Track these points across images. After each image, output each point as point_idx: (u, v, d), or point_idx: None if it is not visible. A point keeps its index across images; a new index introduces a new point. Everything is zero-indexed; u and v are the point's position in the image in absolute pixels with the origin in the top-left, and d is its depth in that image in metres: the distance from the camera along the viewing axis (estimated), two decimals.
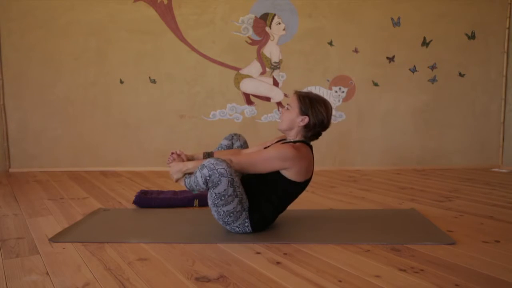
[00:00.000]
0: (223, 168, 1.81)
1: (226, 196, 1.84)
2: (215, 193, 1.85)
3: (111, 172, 3.99)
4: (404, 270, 1.52)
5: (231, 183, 1.83)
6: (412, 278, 1.45)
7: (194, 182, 1.88)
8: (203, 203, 2.57)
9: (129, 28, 4.03)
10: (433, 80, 4.09)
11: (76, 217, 2.31)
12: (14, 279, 1.47)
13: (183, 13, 4.03)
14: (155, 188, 3.10)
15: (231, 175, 1.82)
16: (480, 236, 1.92)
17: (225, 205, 1.87)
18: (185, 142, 4.12)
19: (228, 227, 1.96)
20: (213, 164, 1.81)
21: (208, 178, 1.82)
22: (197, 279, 1.46)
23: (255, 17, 4.04)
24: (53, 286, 1.41)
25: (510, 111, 4.08)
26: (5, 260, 1.66)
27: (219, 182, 1.81)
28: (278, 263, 1.61)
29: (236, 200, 1.87)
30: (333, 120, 4.09)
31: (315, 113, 1.98)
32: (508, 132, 4.09)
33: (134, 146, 4.13)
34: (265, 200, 1.96)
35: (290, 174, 1.93)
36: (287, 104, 2.06)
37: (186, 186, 1.96)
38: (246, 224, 1.94)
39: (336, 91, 4.09)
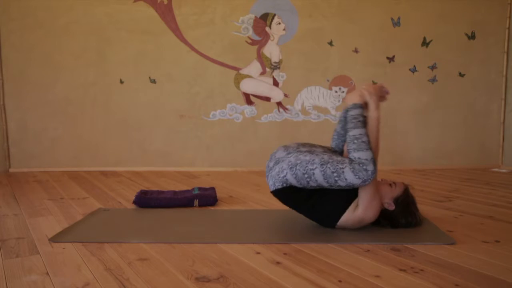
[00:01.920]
0: (368, 183, 1.85)
1: (333, 178, 1.84)
2: (338, 170, 1.83)
3: (111, 172, 3.99)
4: (404, 270, 1.52)
5: (351, 185, 1.84)
6: (412, 278, 1.45)
7: (361, 136, 1.85)
8: (203, 203, 2.57)
9: (129, 28, 4.03)
10: (433, 80, 4.09)
11: (76, 217, 2.31)
12: (14, 279, 1.47)
13: (183, 13, 4.03)
14: (155, 188, 3.10)
15: (360, 185, 1.85)
16: (480, 236, 1.92)
17: (322, 182, 1.86)
18: (185, 142, 4.12)
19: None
20: (373, 175, 1.83)
21: (363, 164, 1.81)
22: (197, 279, 1.46)
23: (255, 17, 4.04)
24: (53, 286, 1.41)
25: (510, 111, 4.08)
26: (5, 260, 1.66)
27: (356, 178, 1.81)
28: (278, 263, 1.61)
29: (325, 186, 1.88)
30: (333, 120, 4.13)
31: (403, 213, 1.95)
32: (508, 132, 4.09)
33: (134, 146, 4.13)
34: (308, 193, 1.93)
35: (349, 214, 1.91)
36: (393, 182, 2.01)
37: (350, 109, 1.93)
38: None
39: (336, 91, 4.10)
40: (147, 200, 2.55)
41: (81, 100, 4.09)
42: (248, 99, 4.12)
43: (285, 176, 1.91)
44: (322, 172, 1.84)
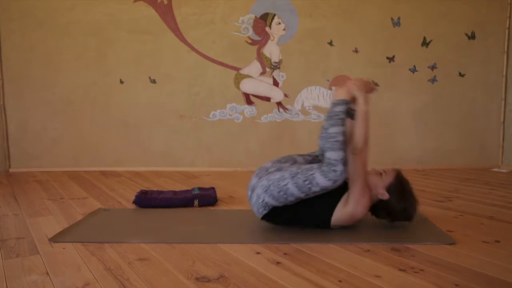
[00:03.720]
0: (339, 184, 1.84)
1: (306, 187, 1.84)
2: (308, 177, 1.82)
3: (111, 172, 3.99)
4: (404, 270, 1.52)
5: (324, 188, 1.84)
6: (412, 278, 1.45)
7: (336, 135, 1.85)
8: (203, 203, 2.57)
9: (129, 28, 4.03)
10: (433, 80, 4.09)
11: (76, 217, 2.31)
12: (14, 279, 1.47)
13: (183, 13, 4.03)
14: (155, 188, 3.10)
15: (331, 187, 1.85)
16: (480, 236, 1.92)
17: (298, 193, 1.86)
18: (185, 142, 4.12)
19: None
20: (343, 175, 1.83)
21: (331, 165, 1.80)
22: (197, 279, 1.46)
23: (255, 17, 4.04)
24: (53, 286, 1.41)
25: (510, 111, 4.08)
26: (5, 260, 1.66)
27: (327, 180, 1.81)
28: (278, 263, 1.61)
29: (302, 197, 1.88)
30: None
31: (399, 200, 1.93)
32: (508, 132, 4.09)
33: (134, 146, 4.13)
34: (293, 208, 1.93)
35: (340, 211, 1.90)
36: (383, 171, 1.99)
37: (334, 104, 1.92)
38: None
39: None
40: (147, 200, 2.55)
41: (81, 100, 4.09)
42: (248, 99, 4.12)
43: (263, 200, 1.91)
44: (295, 184, 1.85)
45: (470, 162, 4.13)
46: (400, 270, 1.52)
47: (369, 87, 2.00)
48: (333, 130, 1.88)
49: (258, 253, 1.72)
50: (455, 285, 1.39)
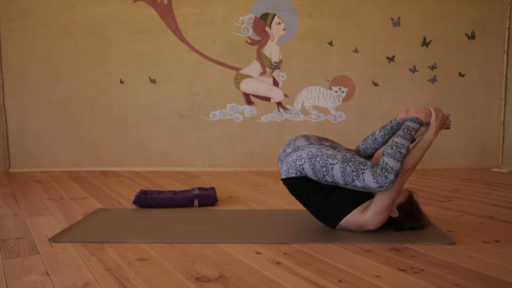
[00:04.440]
0: (382, 191, 1.84)
1: (350, 177, 1.83)
2: (358, 171, 1.82)
3: (111, 172, 3.99)
4: (404, 270, 1.52)
5: (366, 188, 1.83)
6: (412, 278, 1.45)
7: (403, 148, 1.84)
8: (203, 203, 2.57)
9: (129, 28, 4.03)
10: (433, 80, 4.09)
11: (76, 217, 2.31)
12: (14, 279, 1.47)
13: (183, 13, 4.03)
14: (155, 188, 3.10)
15: (374, 190, 1.84)
16: (480, 236, 1.92)
17: (339, 179, 1.85)
18: (185, 142, 4.12)
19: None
20: (391, 185, 1.82)
21: (386, 171, 1.79)
22: (197, 279, 1.46)
23: (255, 17, 4.04)
24: (53, 286, 1.41)
25: (510, 111, 4.08)
26: (5, 260, 1.66)
27: (373, 182, 1.80)
28: (278, 263, 1.61)
29: (340, 183, 1.87)
30: (333, 120, 4.13)
31: (407, 220, 1.95)
32: (508, 132, 4.09)
33: (134, 146, 4.13)
34: (319, 187, 1.92)
35: (354, 215, 1.90)
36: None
37: (410, 120, 1.94)
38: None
39: (336, 91, 4.10)
40: (147, 200, 2.55)
41: (81, 100, 4.09)
42: (248, 99, 4.12)
43: (302, 165, 1.87)
44: (342, 169, 1.83)
45: (470, 162, 4.13)
46: (400, 270, 1.52)
47: (446, 123, 2.04)
48: (401, 141, 1.88)
49: (258, 253, 1.72)
50: (455, 285, 1.39)
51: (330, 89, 4.10)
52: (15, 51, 4.02)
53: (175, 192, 2.82)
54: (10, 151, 4.10)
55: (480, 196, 2.83)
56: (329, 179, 1.86)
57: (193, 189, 2.89)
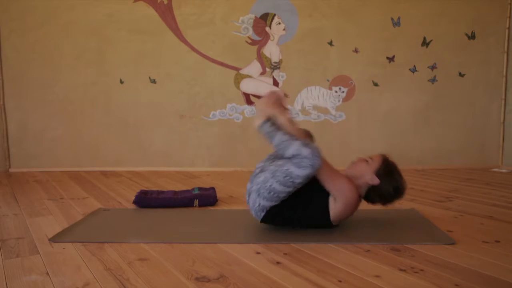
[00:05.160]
0: (319, 165, 1.79)
1: (289, 182, 1.82)
2: (286, 172, 1.82)
3: (111, 172, 3.99)
4: (404, 270, 1.52)
5: (306, 177, 1.81)
6: (412, 278, 1.45)
7: (281, 140, 1.85)
8: (203, 203, 2.57)
9: (129, 28, 4.02)
10: (433, 80, 4.09)
11: (76, 217, 2.31)
12: (14, 279, 1.47)
13: (183, 13, 4.03)
14: (155, 188, 3.10)
15: (307, 176, 1.81)
16: (480, 236, 1.92)
17: (285, 189, 1.85)
18: (185, 142, 4.12)
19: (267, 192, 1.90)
20: (316, 154, 1.79)
21: (298, 155, 1.79)
22: (197, 279, 1.46)
23: (255, 17, 4.04)
24: (53, 286, 1.41)
25: (510, 111, 4.08)
26: (5, 260, 1.66)
27: (303, 169, 1.78)
28: (278, 263, 1.61)
29: (291, 190, 1.86)
30: (333, 120, 4.13)
31: (389, 184, 1.95)
32: (508, 132, 4.09)
33: (134, 146, 4.13)
34: (290, 207, 1.93)
35: (334, 207, 1.90)
36: (369, 157, 2.02)
37: (260, 130, 1.94)
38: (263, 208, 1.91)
39: (336, 91, 4.10)
40: (147, 200, 2.55)
41: (81, 100, 4.09)
42: (248, 99, 4.11)
43: (259, 204, 1.92)
44: (278, 182, 1.85)
45: (470, 162, 4.13)
46: (400, 270, 1.52)
47: (276, 99, 2.01)
48: (275, 140, 1.88)
49: (258, 253, 1.72)
50: (455, 285, 1.39)
51: (330, 89, 4.10)
52: (15, 51, 4.02)
53: (175, 192, 2.82)
54: (10, 151, 4.10)
55: (480, 196, 2.83)
56: (282, 195, 1.88)
57: (193, 189, 2.89)
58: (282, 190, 1.86)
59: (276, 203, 1.91)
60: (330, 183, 1.89)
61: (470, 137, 4.13)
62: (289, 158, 1.84)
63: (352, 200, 1.90)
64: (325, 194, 1.92)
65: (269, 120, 1.95)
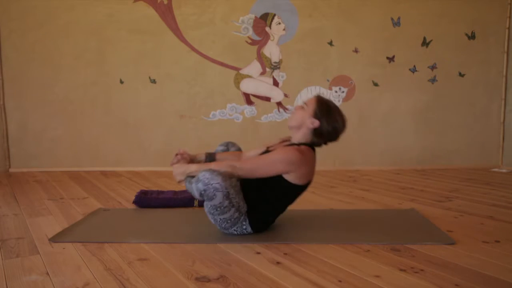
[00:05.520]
0: (218, 183, 1.78)
1: (222, 208, 1.83)
2: (211, 205, 1.84)
3: (111, 172, 3.99)
4: (404, 270, 1.52)
5: (227, 196, 1.80)
6: (412, 278, 1.45)
7: (191, 190, 1.88)
8: (203, 203, 2.57)
9: (129, 28, 4.02)
10: (433, 80, 4.09)
11: (76, 217, 2.31)
12: (14, 279, 1.47)
13: (183, 13, 4.03)
14: (155, 188, 3.10)
15: (226, 189, 1.79)
16: (480, 236, 1.92)
17: (221, 214, 1.86)
18: (185, 142, 4.12)
19: (226, 231, 1.95)
20: (207, 178, 1.78)
21: (203, 192, 1.80)
22: (197, 279, 1.46)
23: (255, 17, 4.04)
24: (53, 286, 1.41)
25: (510, 111, 4.08)
26: (5, 260, 1.66)
27: (214, 196, 1.79)
28: (278, 263, 1.61)
29: (233, 209, 1.85)
30: None
31: (329, 121, 1.94)
32: (508, 132, 4.09)
33: (134, 146, 4.13)
34: (265, 202, 1.95)
35: (292, 177, 1.90)
36: (304, 103, 2.01)
37: (188, 189, 1.95)
38: (244, 227, 1.93)
39: (336, 91, 4.09)
40: (147, 200, 2.55)
41: (81, 100, 4.09)
42: (248, 99, 4.11)
43: (236, 230, 1.94)
44: (217, 216, 1.87)
45: (470, 162, 4.13)
46: (400, 270, 1.52)
47: (179, 160, 2.07)
48: (196, 194, 1.86)
49: (258, 253, 1.72)
50: (455, 285, 1.39)
51: (330, 89, 4.10)
52: (15, 51, 4.02)
53: (175, 192, 2.82)
54: (10, 151, 4.10)
55: (480, 196, 2.83)
56: (233, 215, 1.86)
57: None
58: (226, 214, 1.85)
59: (242, 215, 1.90)
60: (264, 171, 1.88)
61: (470, 137, 4.13)
62: (204, 199, 1.84)
63: (294, 157, 1.86)
64: (277, 177, 1.91)
65: (187, 177, 1.94)
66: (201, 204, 2.56)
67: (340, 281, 1.43)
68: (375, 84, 4.09)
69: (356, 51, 4.06)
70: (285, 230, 2.03)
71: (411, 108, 4.11)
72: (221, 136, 4.11)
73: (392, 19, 4.03)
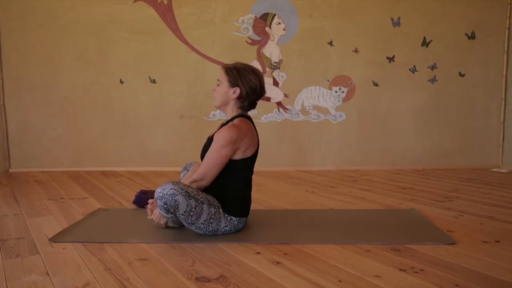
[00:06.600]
0: (171, 189, 1.78)
1: (193, 209, 1.82)
2: (183, 214, 1.83)
3: (111, 172, 3.99)
4: (404, 270, 1.52)
5: (187, 195, 1.80)
6: (412, 278, 1.45)
7: (166, 218, 1.90)
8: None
9: (129, 28, 4.02)
10: (433, 80, 4.09)
11: (76, 217, 2.31)
12: (14, 279, 1.47)
13: (183, 13, 4.03)
14: (155, 188, 3.10)
15: (181, 189, 1.80)
16: (480, 236, 1.92)
17: (199, 217, 1.85)
18: (185, 142, 4.12)
19: (218, 233, 1.94)
20: (160, 192, 1.79)
21: (166, 206, 1.80)
22: (197, 279, 1.46)
23: (255, 17, 4.04)
24: (53, 286, 1.41)
25: (510, 111, 4.08)
26: (5, 260, 1.66)
27: (177, 202, 1.79)
28: (278, 263, 1.61)
29: (205, 205, 1.86)
30: (333, 120, 4.12)
31: (245, 82, 1.99)
32: (508, 132, 4.09)
33: (134, 146, 4.13)
34: (231, 190, 1.95)
35: (240, 154, 1.93)
36: (217, 80, 2.05)
37: (173, 224, 2.03)
38: (229, 218, 1.93)
39: (336, 91, 4.10)
40: (147, 200, 2.55)
41: (81, 100, 4.09)
42: None
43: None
44: (196, 223, 1.88)
45: (470, 162, 4.13)
46: (400, 270, 1.52)
47: (153, 208, 2.06)
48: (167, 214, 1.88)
49: (258, 253, 1.72)
50: (455, 285, 1.39)
51: (330, 89, 4.10)
52: (15, 51, 4.01)
53: None
54: (10, 151, 4.10)
55: (480, 196, 2.83)
56: (204, 212, 1.86)
57: None
58: (204, 214, 1.85)
59: (219, 208, 1.91)
60: (217, 164, 1.90)
61: (470, 137, 4.13)
62: (173, 212, 1.84)
63: (232, 135, 1.89)
64: (230, 161, 1.93)
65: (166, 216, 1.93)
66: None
67: (340, 281, 1.43)
68: (375, 84, 4.09)
69: (356, 51, 4.06)
70: (285, 230, 2.03)
71: (411, 108, 4.11)
72: None
73: (392, 19, 4.03)
